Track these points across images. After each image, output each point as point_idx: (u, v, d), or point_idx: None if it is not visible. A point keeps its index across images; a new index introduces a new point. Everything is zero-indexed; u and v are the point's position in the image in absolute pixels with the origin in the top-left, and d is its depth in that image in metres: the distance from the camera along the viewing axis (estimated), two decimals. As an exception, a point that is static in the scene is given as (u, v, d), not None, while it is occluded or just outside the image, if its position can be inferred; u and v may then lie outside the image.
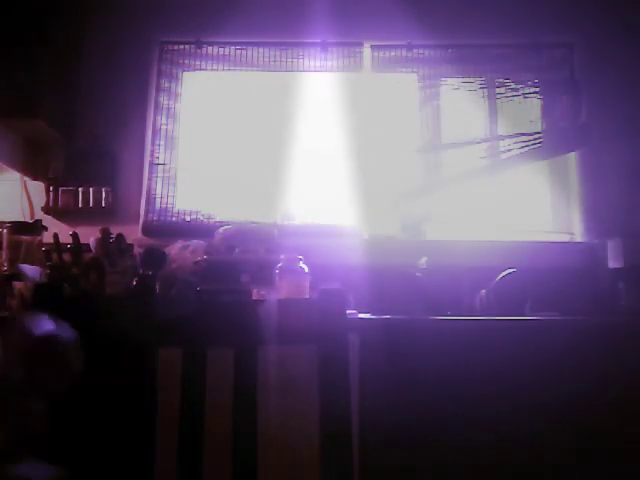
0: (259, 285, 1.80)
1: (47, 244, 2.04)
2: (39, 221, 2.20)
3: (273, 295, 1.72)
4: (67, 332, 0.73)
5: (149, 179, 2.54)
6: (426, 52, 2.65)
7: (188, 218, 2.52)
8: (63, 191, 2.44)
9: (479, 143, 2.61)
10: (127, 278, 1.80)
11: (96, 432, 0.93)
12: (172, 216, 2.53)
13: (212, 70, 2.69)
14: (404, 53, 2.64)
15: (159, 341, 0.95)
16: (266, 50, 2.66)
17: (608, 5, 2.59)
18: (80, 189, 2.44)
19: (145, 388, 0.93)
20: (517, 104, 2.64)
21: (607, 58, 2.56)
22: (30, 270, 1.88)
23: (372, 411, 1.54)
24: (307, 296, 1.71)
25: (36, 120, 2.24)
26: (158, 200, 2.54)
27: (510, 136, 2.60)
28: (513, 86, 2.65)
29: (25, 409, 0.71)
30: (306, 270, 1.76)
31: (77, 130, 2.51)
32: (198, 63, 2.68)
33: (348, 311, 1.57)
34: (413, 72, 2.67)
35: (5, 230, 2.09)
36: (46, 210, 2.43)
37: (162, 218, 2.52)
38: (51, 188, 2.44)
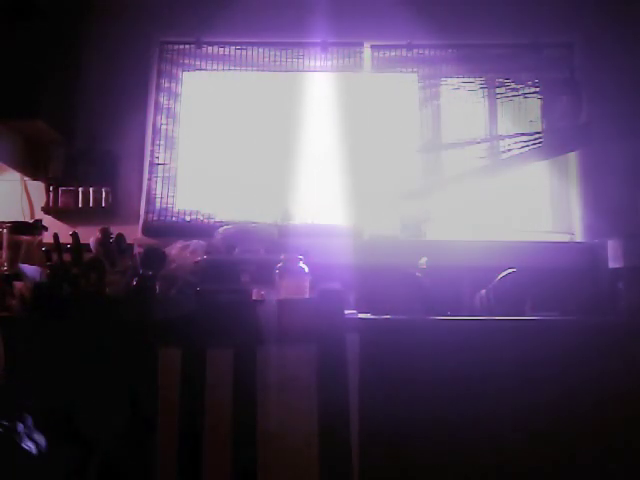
0: (259, 285, 1.80)
1: (47, 244, 2.04)
2: (39, 221, 2.20)
3: (273, 295, 1.72)
4: None
5: (149, 179, 2.54)
6: (426, 52, 2.65)
7: (188, 218, 2.52)
8: (63, 191, 2.44)
9: (479, 143, 2.61)
10: (127, 278, 1.80)
11: (95, 431, 0.93)
12: (172, 216, 2.53)
13: (212, 70, 2.69)
14: (404, 53, 2.65)
15: (159, 341, 0.95)
16: (266, 50, 2.66)
17: (608, 5, 2.59)
18: (80, 189, 2.44)
19: (145, 387, 0.93)
20: (517, 104, 2.64)
21: (607, 58, 2.56)
22: (30, 270, 1.88)
23: (372, 411, 1.54)
24: (307, 296, 1.71)
25: (36, 120, 2.24)
26: (158, 200, 2.54)
27: (510, 136, 2.60)
28: (513, 86, 2.65)
29: None
30: (306, 270, 1.76)
31: (77, 130, 2.51)
32: (198, 63, 2.68)
33: (348, 311, 1.57)
34: (413, 72, 2.67)
35: (5, 230, 2.08)
36: (46, 210, 2.43)
37: (162, 218, 2.52)
38: (51, 188, 2.44)
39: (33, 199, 2.48)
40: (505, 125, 2.63)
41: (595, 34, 2.57)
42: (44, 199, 2.45)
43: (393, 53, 2.66)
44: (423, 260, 2.21)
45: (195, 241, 2.00)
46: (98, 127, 2.52)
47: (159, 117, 2.61)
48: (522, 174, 2.63)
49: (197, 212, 2.53)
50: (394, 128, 2.62)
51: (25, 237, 2.09)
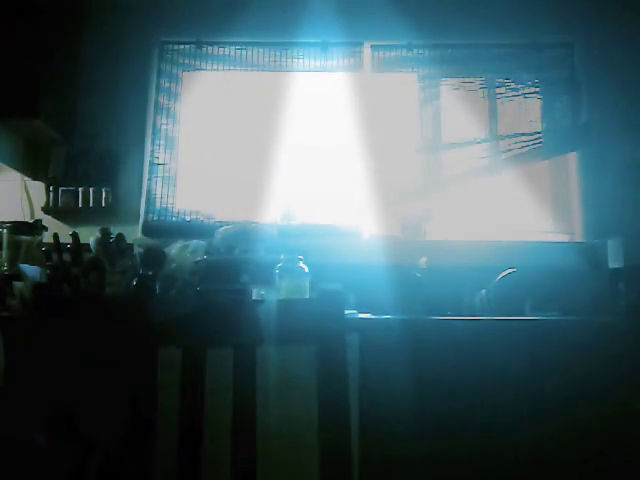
0: (259, 285, 1.80)
1: (47, 244, 2.04)
2: (39, 221, 2.19)
3: (273, 295, 1.72)
4: None
5: (149, 179, 2.54)
6: (426, 52, 2.65)
7: (188, 218, 2.52)
8: (63, 191, 2.44)
9: (479, 143, 2.61)
10: (127, 278, 1.79)
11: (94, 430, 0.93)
12: (172, 216, 2.53)
13: (212, 70, 2.69)
14: (404, 53, 2.65)
15: (159, 341, 0.95)
16: (266, 50, 2.66)
17: (608, 5, 2.59)
18: (80, 189, 2.44)
19: (145, 387, 0.93)
20: (517, 104, 2.64)
21: (607, 58, 2.56)
22: (30, 270, 1.88)
23: (372, 411, 1.54)
24: (307, 296, 1.71)
25: (36, 120, 2.24)
26: (158, 200, 2.54)
27: (510, 136, 2.60)
28: (513, 86, 2.65)
29: None
30: (306, 270, 1.76)
31: (77, 130, 2.51)
32: (198, 63, 2.68)
33: (348, 311, 1.57)
34: (413, 72, 2.67)
35: (5, 230, 2.09)
36: (46, 210, 2.43)
37: (162, 218, 2.52)
38: (51, 188, 2.44)
39: (33, 199, 2.48)
40: (505, 125, 2.63)
41: (595, 34, 2.57)
42: (44, 199, 2.45)
43: (393, 53, 2.66)
44: (423, 260, 2.20)
45: (195, 241, 2.00)
46: (98, 127, 2.52)
47: (159, 117, 2.61)
48: (522, 174, 2.63)
49: (197, 212, 2.53)
50: (394, 128, 2.62)
51: (25, 237, 2.09)
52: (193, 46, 2.66)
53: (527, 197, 2.62)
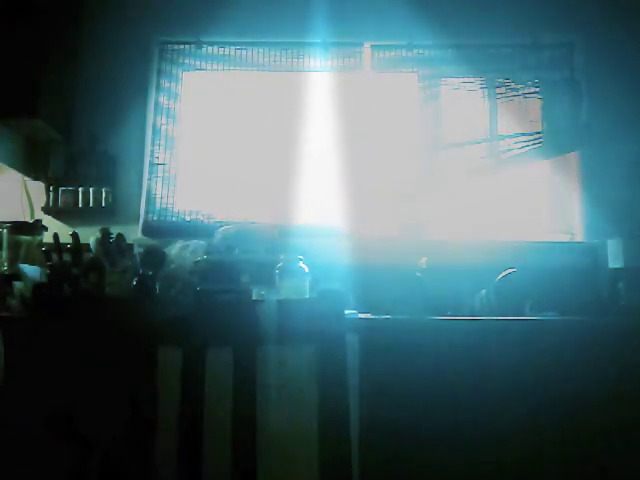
0: (259, 285, 1.80)
1: (47, 244, 2.04)
2: (39, 221, 2.20)
3: (273, 295, 1.72)
4: None
5: (149, 179, 2.54)
6: (426, 52, 2.65)
7: (188, 218, 2.52)
8: (63, 191, 2.44)
9: (479, 143, 2.61)
10: (127, 278, 1.79)
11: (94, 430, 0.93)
12: (172, 216, 2.53)
13: (212, 70, 2.69)
14: (404, 53, 2.65)
15: (159, 341, 0.95)
16: (266, 50, 2.66)
17: (608, 5, 2.59)
18: (80, 189, 2.44)
19: (145, 387, 0.93)
20: (517, 104, 2.64)
21: (607, 58, 2.56)
22: (30, 270, 1.88)
23: (372, 411, 1.54)
24: (307, 296, 1.71)
25: (36, 120, 2.24)
26: (158, 200, 2.54)
27: (510, 136, 2.60)
28: (513, 86, 2.65)
29: None
30: (306, 270, 1.76)
31: (77, 130, 2.51)
32: (198, 63, 2.69)
33: (348, 311, 1.57)
34: (413, 72, 2.67)
35: (5, 230, 2.09)
36: (46, 210, 2.43)
37: (162, 218, 2.52)
38: (51, 188, 2.45)
39: (33, 199, 2.48)
40: (505, 125, 2.63)
41: (595, 34, 2.57)
42: (44, 199, 2.45)
43: (393, 53, 2.66)
44: (423, 260, 2.21)
45: (195, 241, 2.00)
46: (98, 127, 2.52)
47: (159, 117, 2.61)
48: (522, 174, 2.63)
49: (197, 212, 2.53)
50: (394, 128, 2.62)
51: (25, 237, 2.09)
52: (193, 46, 2.66)
53: (527, 197, 2.62)
